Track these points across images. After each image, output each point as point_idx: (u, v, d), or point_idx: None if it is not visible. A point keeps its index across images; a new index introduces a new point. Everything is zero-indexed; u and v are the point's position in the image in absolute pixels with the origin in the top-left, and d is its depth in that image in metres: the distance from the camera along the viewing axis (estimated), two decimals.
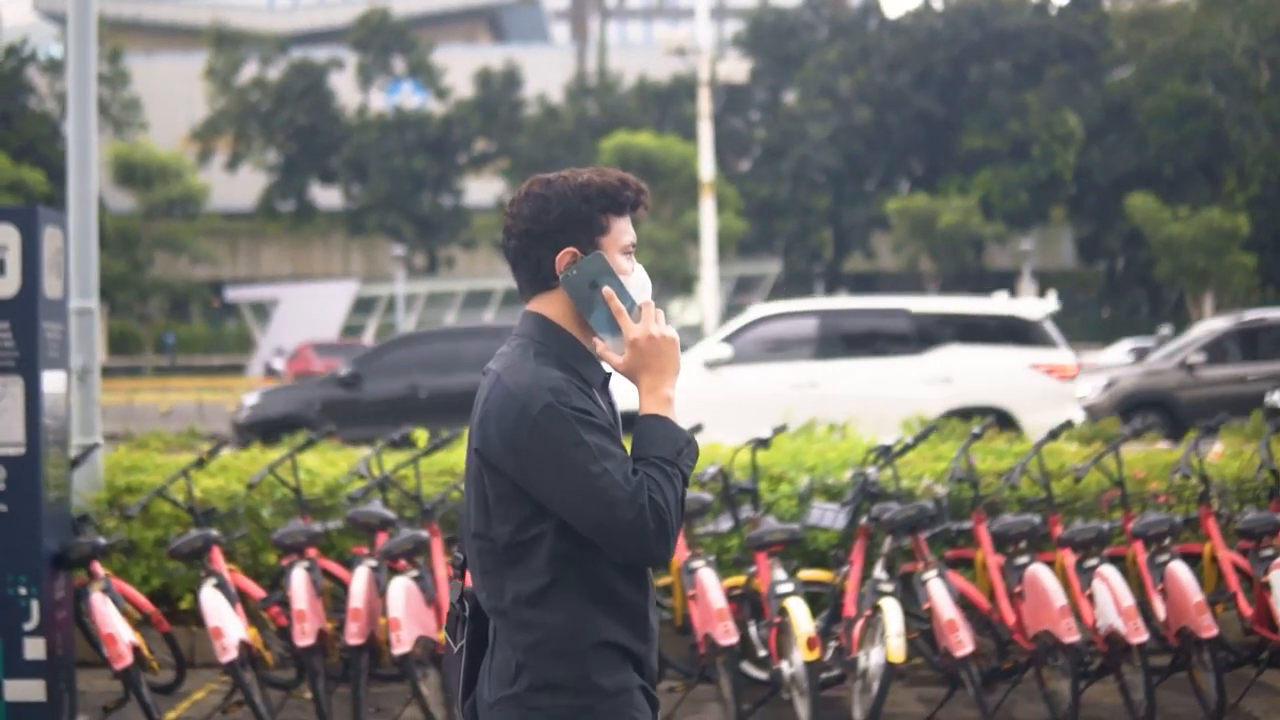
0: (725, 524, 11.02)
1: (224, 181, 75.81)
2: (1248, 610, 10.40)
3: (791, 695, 9.96)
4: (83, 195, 12.71)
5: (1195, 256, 64.49)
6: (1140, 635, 9.63)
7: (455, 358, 25.17)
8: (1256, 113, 71.12)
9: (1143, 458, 12.68)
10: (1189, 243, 64.19)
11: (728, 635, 9.81)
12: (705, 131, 41.12)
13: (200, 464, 11.48)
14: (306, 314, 64.79)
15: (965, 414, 18.11)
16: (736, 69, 42.77)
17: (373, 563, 10.43)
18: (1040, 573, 9.93)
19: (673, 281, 59.09)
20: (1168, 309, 75.29)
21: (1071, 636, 9.62)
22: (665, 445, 4.12)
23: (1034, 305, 22.67)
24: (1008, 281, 71.20)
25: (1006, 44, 73.36)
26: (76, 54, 12.74)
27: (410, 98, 78.30)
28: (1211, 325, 27.91)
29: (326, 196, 78.05)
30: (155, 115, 75.97)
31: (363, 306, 67.69)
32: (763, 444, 11.36)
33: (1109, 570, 9.96)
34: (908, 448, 11.10)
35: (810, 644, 9.54)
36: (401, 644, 9.69)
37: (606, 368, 4.31)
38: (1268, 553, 10.35)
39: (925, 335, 21.15)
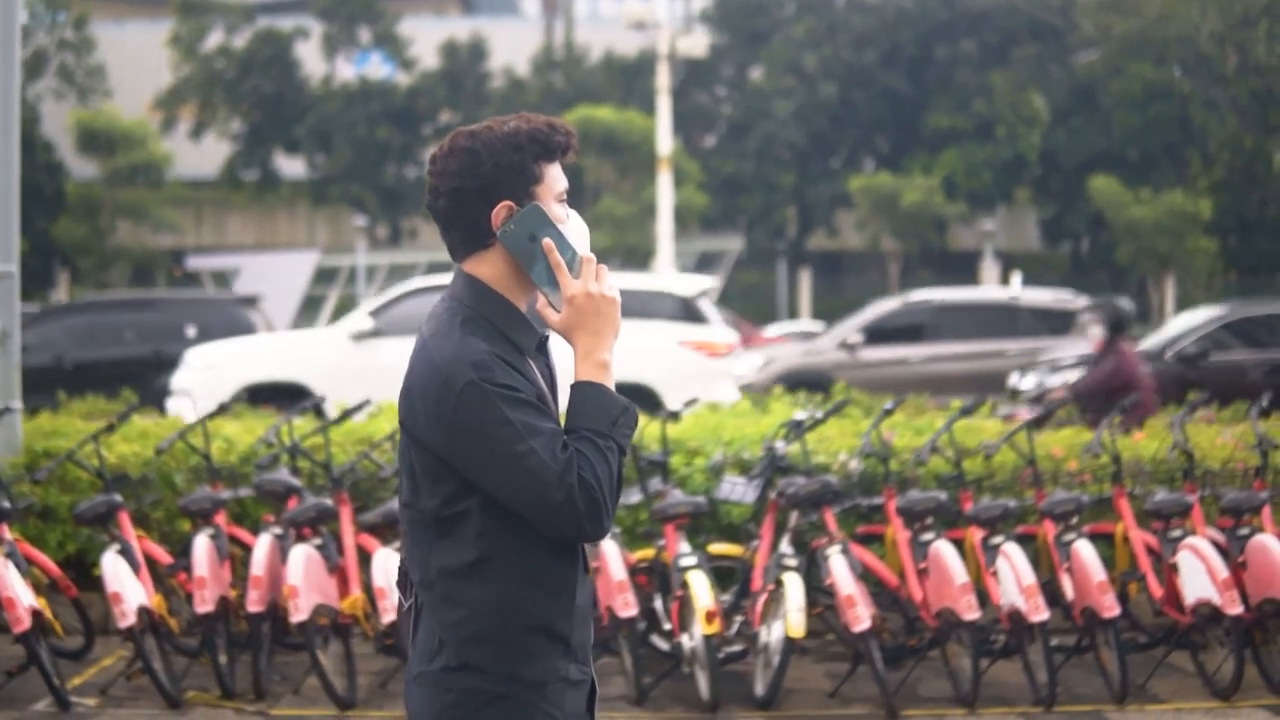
0: (635, 496, 10.99)
1: (188, 150, 75.41)
2: (1158, 591, 10.40)
3: (692, 669, 9.94)
4: (4, 159, 12.60)
5: (1157, 240, 64.47)
6: (1040, 614, 9.63)
7: (104, 330, 25.45)
8: (1223, 97, 71.12)
9: (1065, 436, 12.68)
10: (1150, 226, 64.17)
11: (628, 608, 9.79)
12: (664, 106, 40.99)
13: (110, 429, 11.41)
14: (268, 284, 64.46)
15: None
16: (696, 44, 42.62)
17: (277, 530, 10.40)
18: (943, 549, 9.92)
19: (634, 257, 58.91)
20: (1131, 291, 75.36)
21: (971, 614, 9.61)
22: (599, 416, 3.99)
23: (690, 282, 22.64)
24: (971, 262, 71.21)
25: (974, 24, 73.23)
26: (2, 14, 12.63)
27: (379, 69, 77.97)
28: (879, 307, 27.73)
29: (291, 166, 77.75)
30: (124, 82, 75.58)
31: (324, 277, 67.45)
32: (673, 416, 11.34)
33: (1011, 548, 9.95)
34: (818, 422, 11.08)
35: (709, 617, 9.52)
36: (299, 612, 9.66)
37: (543, 329, 4.15)
38: (1176, 534, 10.37)
39: None
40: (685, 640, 9.86)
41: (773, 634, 9.83)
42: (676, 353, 20.20)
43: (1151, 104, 71.76)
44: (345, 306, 64.88)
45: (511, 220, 4.01)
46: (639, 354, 19.27)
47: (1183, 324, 23.92)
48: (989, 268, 66.31)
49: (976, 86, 73.02)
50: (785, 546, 10.20)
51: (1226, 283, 73.38)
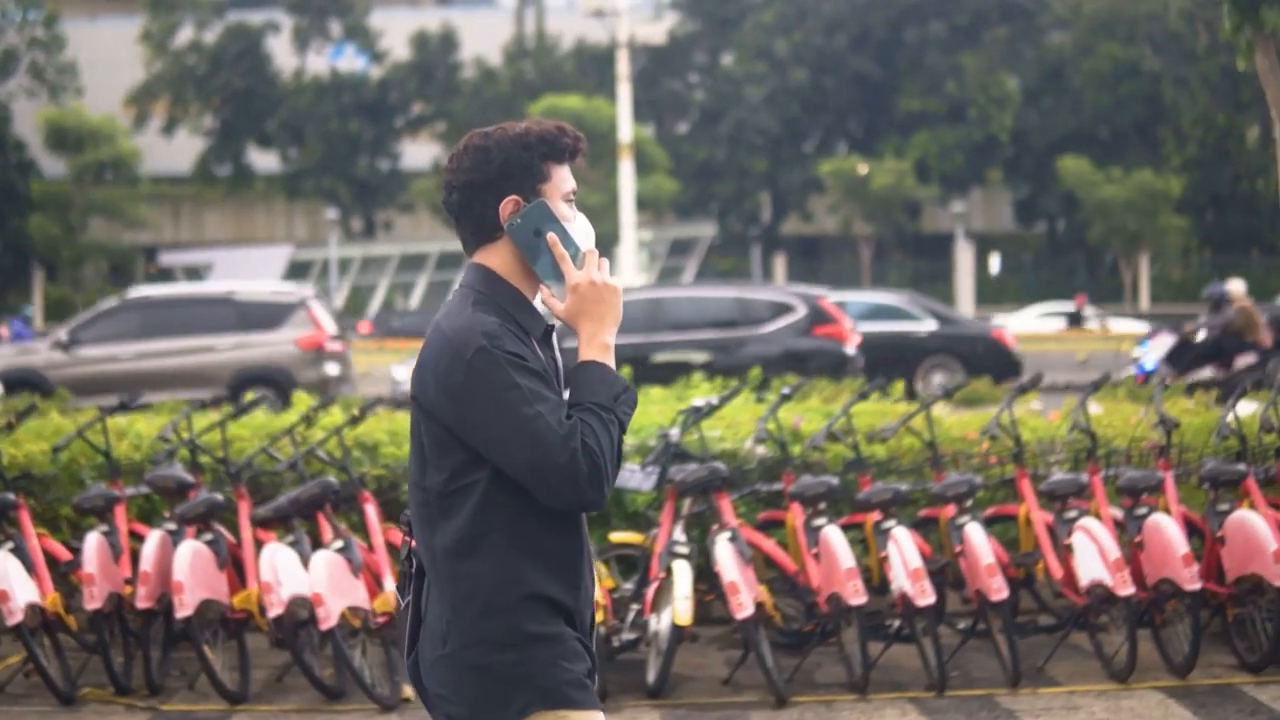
0: None
1: (162, 146, 75.35)
2: (1058, 572, 10.36)
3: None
4: None
5: (1127, 218, 64.56)
6: (926, 598, 9.58)
7: None
8: (1193, 75, 71.18)
9: (981, 419, 12.63)
10: (1121, 205, 64.25)
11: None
12: (624, 94, 40.99)
13: (9, 428, 11.35)
14: (241, 278, 64.49)
15: None
16: (655, 31, 42.62)
17: (171, 526, 10.34)
18: (831, 535, 9.88)
19: (605, 244, 58.83)
20: (1104, 271, 75.44)
21: (857, 599, 9.56)
22: (602, 391, 4.16)
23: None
24: (945, 244, 71.23)
25: (943, 6, 73.21)
26: None
27: (354, 61, 77.90)
28: (99, 305, 27.99)
29: (265, 160, 77.71)
30: (96, 80, 75.42)
31: (298, 270, 67.32)
32: None
33: (901, 533, 9.91)
34: (714, 409, 11.02)
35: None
36: (184, 607, 9.60)
37: (550, 319, 4.34)
38: (1072, 514, 10.32)
39: None
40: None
41: (662, 622, 9.78)
42: None
43: (1122, 83, 71.80)
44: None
45: (518, 214, 4.25)
46: None
47: None
48: (962, 249, 66.26)
49: (947, 69, 73.06)
50: (678, 534, 10.16)
51: (1201, 260, 73.41)
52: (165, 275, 69.11)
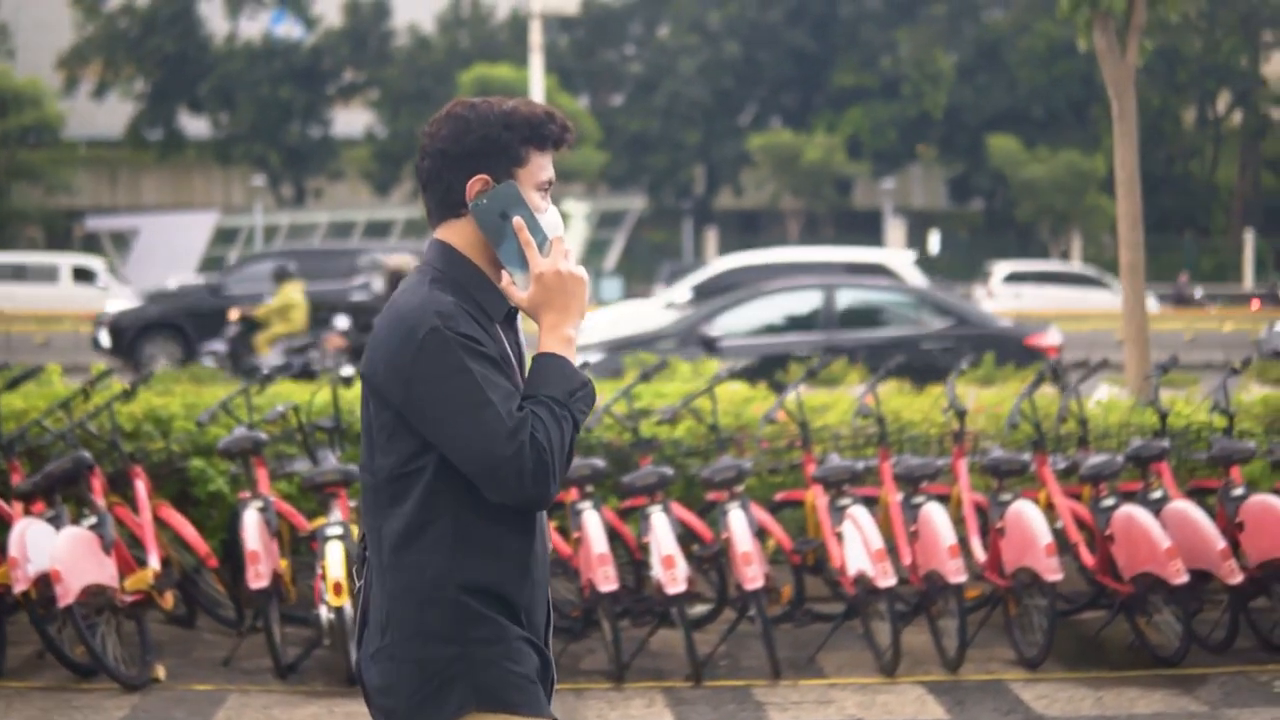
0: (303, 464, 10.66)
1: (92, 109, 74.78)
2: (837, 560, 10.14)
3: (331, 641, 9.60)
4: None
5: (1054, 197, 64.52)
6: (676, 585, 9.37)
7: None
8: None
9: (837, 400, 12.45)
10: (1048, 184, 64.21)
11: (258, 579, 9.47)
12: (536, 64, 40.72)
13: None
14: (167, 245, 63.88)
15: None
16: (566, 2, 42.25)
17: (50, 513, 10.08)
18: (589, 519, 9.69)
19: None
20: (1037, 249, 75.42)
21: (608, 586, 9.36)
22: (558, 385, 3.97)
23: None
24: (875, 220, 71.06)
25: None
26: None
27: (292, 30, 77.41)
28: None
29: (196, 126, 77.16)
30: (28, 42, 74.80)
31: (225, 237, 66.76)
32: (345, 382, 11.02)
33: (659, 518, 9.71)
34: None
35: (336, 589, 9.20)
36: (68, 595, 9.27)
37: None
38: (845, 502, 10.12)
39: None
40: (322, 611, 9.52)
41: None
42: None
43: (1057, 61, 71.67)
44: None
45: (485, 195, 4.02)
46: None
47: None
48: (893, 227, 66.12)
49: (882, 44, 72.87)
50: None
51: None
52: (92, 240, 68.44)
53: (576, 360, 4.05)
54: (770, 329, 19.34)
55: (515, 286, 4.02)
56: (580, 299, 4.03)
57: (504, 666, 3.95)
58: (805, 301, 19.96)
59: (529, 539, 4.03)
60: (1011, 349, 18.53)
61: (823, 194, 68.96)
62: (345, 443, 10.77)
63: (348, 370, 11.15)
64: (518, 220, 3.99)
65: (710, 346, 18.40)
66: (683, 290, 25.16)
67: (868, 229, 72.98)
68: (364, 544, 4.13)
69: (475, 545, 3.94)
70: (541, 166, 4.07)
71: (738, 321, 19.48)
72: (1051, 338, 19.84)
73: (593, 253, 63.49)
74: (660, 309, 23.96)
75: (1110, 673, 9.79)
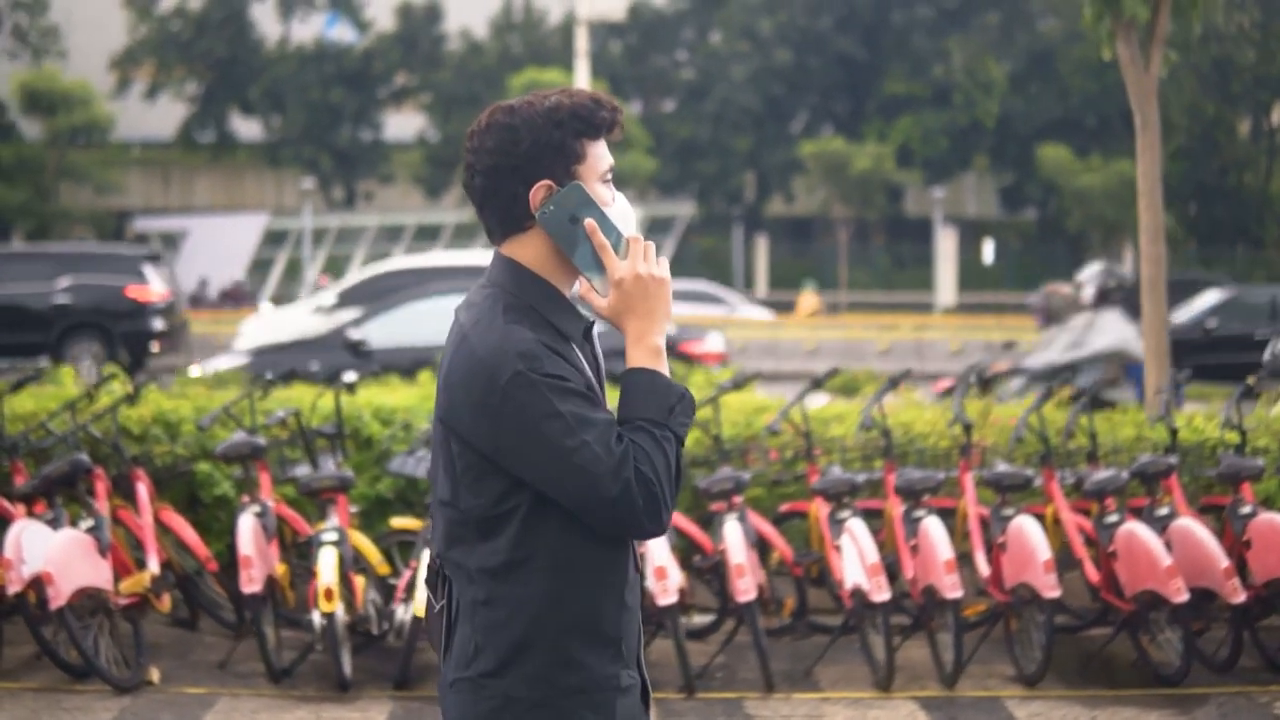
0: (306, 469, 10.65)
1: (144, 111, 75.04)
2: (838, 572, 10.07)
3: (324, 647, 9.58)
4: None
5: (1106, 207, 64.12)
6: (668, 597, 9.33)
7: None
8: (1182, 65, 70.69)
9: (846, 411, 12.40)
10: (1099, 194, 63.81)
11: (250, 584, 9.46)
12: (582, 70, 40.68)
13: None
14: (216, 246, 64.16)
15: None
16: (613, 7, 42.25)
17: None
18: None
19: None
20: (1088, 259, 75.01)
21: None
22: (654, 405, 3.76)
23: None
24: (926, 228, 70.78)
25: None
26: None
27: (345, 33, 77.52)
28: None
29: (248, 128, 77.40)
30: (80, 43, 75.02)
31: (274, 239, 66.93)
32: (349, 389, 11.01)
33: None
34: None
35: (327, 595, 9.19)
36: (59, 597, 9.28)
37: (589, 314, 3.92)
38: (843, 515, 10.06)
39: None
40: (315, 617, 9.50)
41: (407, 612, 9.53)
42: None
43: (1109, 71, 71.11)
44: (293, 269, 64.53)
45: (551, 200, 3.79)
46: None
47: None
48: (944, 236, 65.94)
49: (933, 52, 72.61)
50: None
51: (1186, 251, 72.99)
52: (142, 241, 68.66)
53: (665, 369, 3.83)
54: (421, 334, 19.08)
55: (595, 294, 3.83)
56: (664, 302, 3.80)
57: (582, 717, 3.79)
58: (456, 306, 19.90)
59: (625, 567, 3.88)
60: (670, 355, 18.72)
61: (874, 202, 68.69)
62: (346, 449, 10.77)
63: (350, 377, 11.12)
64: (589, 223, 3.79)
65: (356, 351, 18.40)
66: (329, 296, 25.30)
67: (919, 237, 72.79)
68: (441, 566, 3.92)
69: (575, 579, 3.78)
70: (600, 156, 3.87)
71: (386, 327, 19.38)
72: (711, 344, 20.27)
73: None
74: (308, 314, 24.36)
75: (1108, 691, 9.70)
